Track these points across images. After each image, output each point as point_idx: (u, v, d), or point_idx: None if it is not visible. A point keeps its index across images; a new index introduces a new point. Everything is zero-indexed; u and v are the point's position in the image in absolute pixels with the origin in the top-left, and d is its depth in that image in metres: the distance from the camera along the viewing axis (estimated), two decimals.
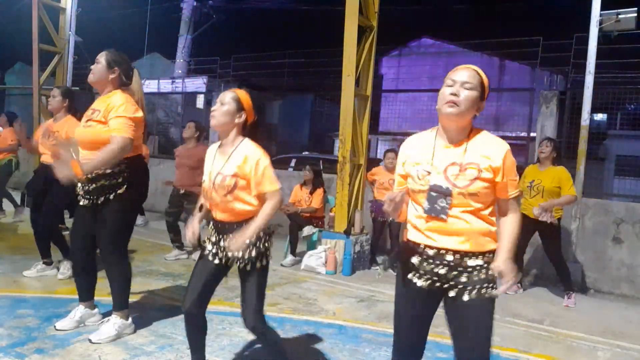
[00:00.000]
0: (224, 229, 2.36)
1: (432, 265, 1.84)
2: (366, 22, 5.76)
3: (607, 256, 5.59)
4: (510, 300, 4.69)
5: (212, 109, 2.38)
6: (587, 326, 4.16)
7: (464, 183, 1.79)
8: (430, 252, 1.85)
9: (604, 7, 5.57)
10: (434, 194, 1.81)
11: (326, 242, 5.53)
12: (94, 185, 2.92)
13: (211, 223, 2.45)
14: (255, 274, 2.38)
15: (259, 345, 3.10)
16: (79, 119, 4.25)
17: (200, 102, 19.13)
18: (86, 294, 3.23)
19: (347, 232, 5.54)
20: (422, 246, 1.87)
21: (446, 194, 1.79)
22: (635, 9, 5.51)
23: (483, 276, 1.82)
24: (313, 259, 5.39)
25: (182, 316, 3.46)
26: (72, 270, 3.36)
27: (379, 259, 5.99)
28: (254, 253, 2.33)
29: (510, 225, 1.88)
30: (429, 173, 1.84)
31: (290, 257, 5.62)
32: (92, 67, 3.02)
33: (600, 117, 11.16)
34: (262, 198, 2.34)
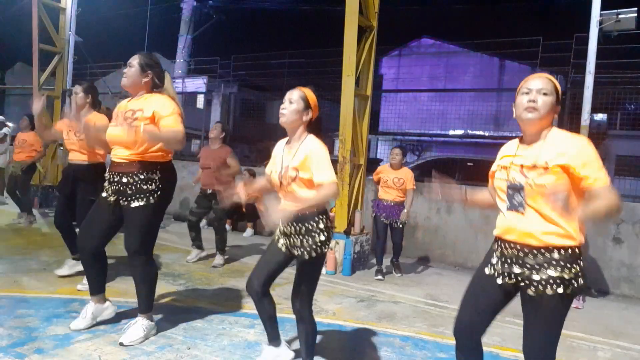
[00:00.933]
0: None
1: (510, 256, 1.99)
2: (366, 22, 5.76)
3: (607, 256, 5.59)
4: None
5: (282, 107, 2.51)
6: (587, 326, 4.16)
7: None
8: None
9: (604, 7, 5.56)
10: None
11: None
12: (126, 187, 2.96)
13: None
14: (309, 264, 2.48)
15: (258, 346, 3.10)
16: (107, 113, 4.25)
17: (200, 102, 19.14)
18: (97, 287, 3.21)
19: (347, 232, 5.54)
20: None
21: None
22: (635, 9, 5.50)
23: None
24: None
25: (182, 316, 3.49)
26: (81, 260, 3.28)
27: (382, 266, 5.42)
28: (310, 242, 2.43)
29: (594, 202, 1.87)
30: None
31: None
32: (125, 70, 3.02)
33: (600, 117, 11.17)
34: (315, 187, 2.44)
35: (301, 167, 2.43)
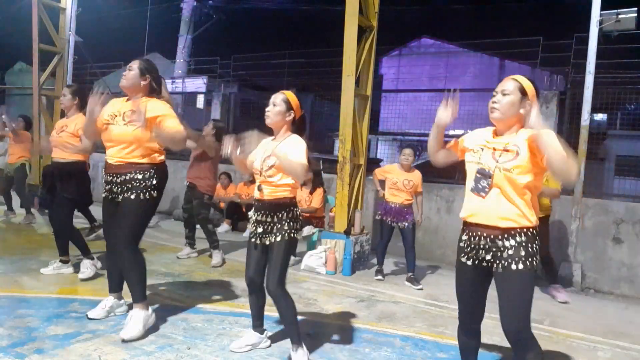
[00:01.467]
0: (264, 207, 2.80)
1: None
2: (366, 22, 5.76)
3: (607, 256, 5.59)
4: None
5: (267, 109, 2.84)
6: (587, 326, 4.16)
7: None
8: None
9: (604, 7, 5.57)
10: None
11: (326, 242, 5.53)
12: (122, 185, 3.11)
13: (253, 208, 2.89)
14: (279, 246, 2.77)
15: (259, 346, 3.10)
16: None
17: (200, 102, 19.13)
18: (116, 285, 3.40)
19: (347, 232, 5.54)
20: None
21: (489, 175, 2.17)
22: (635, 9, 5.51)
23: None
24: (313, 259, 5.39)
25: (182, 316, 3.49)
26: (107, 258, 3.44)
27: (382, 266, 5.38)
28: (285, 228, 2.76)
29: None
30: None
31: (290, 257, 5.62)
32: (124, 73, 3.17)
33: (600, 117, 11.16)
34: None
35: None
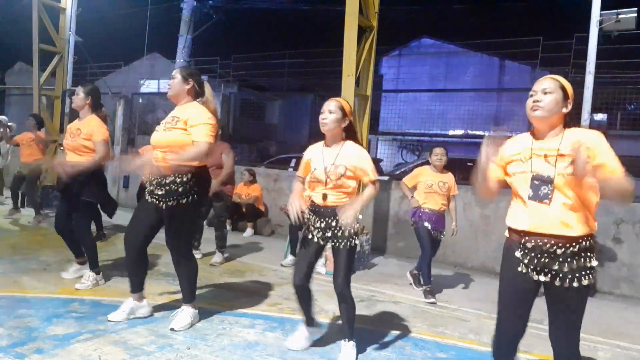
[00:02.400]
0: (326, 212, 2.91)
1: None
2: (366, 22, 5.76)
3: (607, 256, 5.59)
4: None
5: (322, 117, 2.92)
6: (587, 326, 4.13)
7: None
8: None
9: (604, 7, 5.56)
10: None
11: None
12: (165, 189, 3.19)
13: (310, 211, 2.98)
14: (346, 251, 2.90)
15: (258, 346, 3.10)
16: (102, 117, 4.28)
17: None
18: (137, 285, 3.44)
19: None
20: None
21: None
22: (635, 9, 5.50)
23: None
24: None
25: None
26: (126, 258, 3.43)
27: (431, 289, 4.63)
28: (346, 234, 2.88)
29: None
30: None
31: (290, 257, 5.61)
32: (169, 83, 3.35)
33: (600, 117, 11.16)
34: (365, 186, 2.95)
35: (349, 167, 2.88)
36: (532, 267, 2.07)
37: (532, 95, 2.14)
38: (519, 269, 2.10)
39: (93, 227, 5.99)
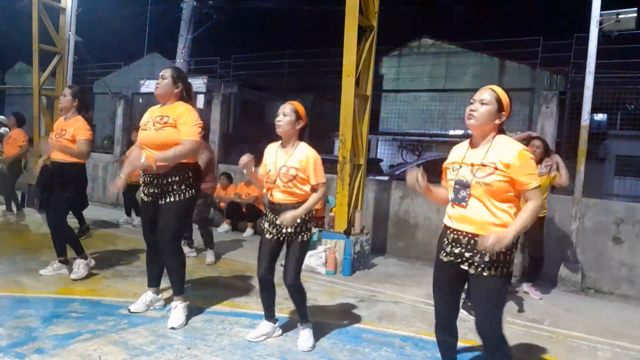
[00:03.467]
0: (280, 209, 3.06)
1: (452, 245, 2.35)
2: (366, 22, 5.75)
3: (607, 256, 5.59)
4: (511, 301, 4.69)
5: (277, 119, 3.09)
6: (587, 326, 4.16)
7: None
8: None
9: (604, 7, 5.56)
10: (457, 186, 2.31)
11: (326, 242, 5.53)
12: (161, 187, 3.33)
13: (266, 207, 3.19)
14: (298, 245, 3.10)
15: (258, 346, 3.10)
16: (88, 118, 4.39)
17: (200, 102, 19.11)
18: (155, 281, 3.66)
19: (347, 232, 5.53)
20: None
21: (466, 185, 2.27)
22: (635, 9, 5.50)
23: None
24: (313, 259, 5.39)
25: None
26: (147, 254, 3.64)
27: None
28: (299, 229, 3.06)
29: (523, 210, 2.21)
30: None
31: None
32: (157, 82, 3.41)
33: (600, 117, 11.15)
34: (314, 188, 3.09)
35: (299, 169, 3.04)
36: (452, 256, 2.34)
37: (471, 104, 2.33)
38: (441, 256, 2.42)
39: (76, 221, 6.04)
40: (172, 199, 3.33)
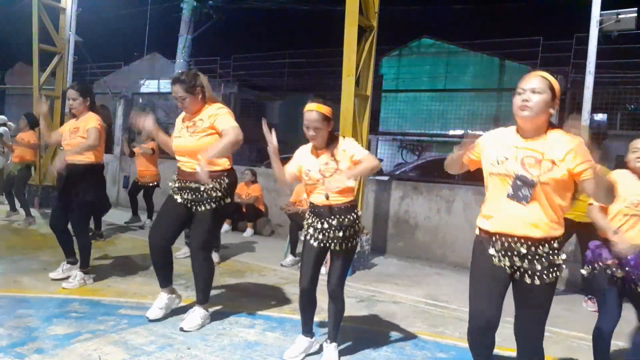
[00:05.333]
0: (325, 212, 2.87)
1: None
2: (366, 22, 5.75)
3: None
4: (511, 301, 4.69)
5: (309, 134, 2.92)
6: (587, 326, 4.14)
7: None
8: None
9: (604, 7, 5.56)
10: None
11: None
12: (197, 193, 3.27)
13: (309, 212, 3.00)
14: (345, 252, 2.90)
15: (258, 346, 3.10)
16: (98, 112, 4.26)
17: None
18: (167, 280, 3.52)
19: None
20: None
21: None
22: (635, 9, 5.50)
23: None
24: None
25: (182, 316, 3.48)
26: (153, 257, 3.47)
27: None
28: (347, 234, 2.86)
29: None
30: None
31: (290, 257, 5.61)
32: (179, 104, 3.35)
33: (600, 117, 11.16)
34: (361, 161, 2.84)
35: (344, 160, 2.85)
36: (503, 263, 2.16)
37: (520, 94, 2.11)
38: (493, 262, 2.18)
39: (92, 225, 6.01)
40: (207, 207, 3.27)
